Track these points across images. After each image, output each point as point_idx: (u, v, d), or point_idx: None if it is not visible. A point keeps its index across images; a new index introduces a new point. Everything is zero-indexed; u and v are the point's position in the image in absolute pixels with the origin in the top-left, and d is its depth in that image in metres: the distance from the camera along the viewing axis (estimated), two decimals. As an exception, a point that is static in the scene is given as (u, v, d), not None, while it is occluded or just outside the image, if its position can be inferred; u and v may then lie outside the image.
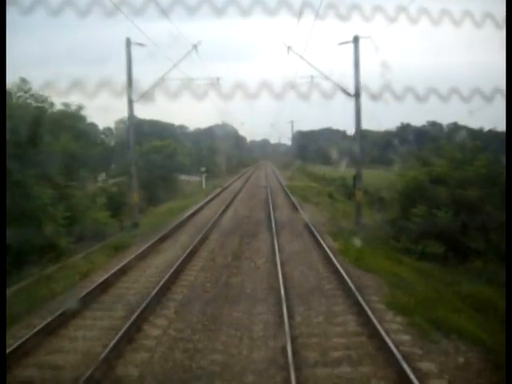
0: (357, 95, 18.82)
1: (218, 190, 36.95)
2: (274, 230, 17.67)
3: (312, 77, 19.07)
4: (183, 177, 61.04)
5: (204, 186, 40.52)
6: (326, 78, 18.79)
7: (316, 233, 16.63)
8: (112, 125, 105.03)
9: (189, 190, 43.39)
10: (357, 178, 19.34)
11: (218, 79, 20.37)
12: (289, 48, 18.85)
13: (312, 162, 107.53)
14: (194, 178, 54.23)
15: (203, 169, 41.08)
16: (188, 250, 14.14)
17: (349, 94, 18.90)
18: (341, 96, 18.42)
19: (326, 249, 13.60)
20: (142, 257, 13.88)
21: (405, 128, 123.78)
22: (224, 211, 23.74)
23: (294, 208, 24.55)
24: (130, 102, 19.77)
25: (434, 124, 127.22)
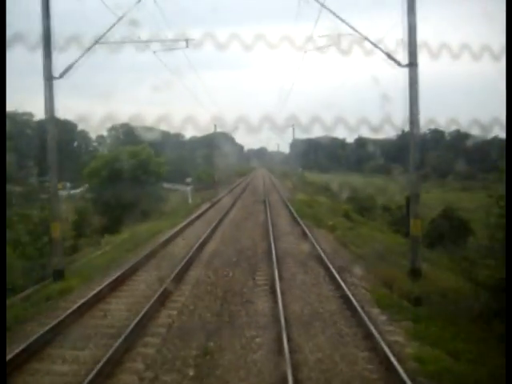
0: (412, 64, 11.19)
1: (206, 206, 29.25)
2: (277, 285, 9.99)
3: (339, 35, 11.47)
4: (169, 185, 53.42)
5: (190, 199, 32.70)
6: (363, 37, 11.18)
7: (354, 300, 8.94)
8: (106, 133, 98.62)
9: (172, 203, 35.65)
10: (412, 200, 11.63)
11: (187, 41, 12.80)
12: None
13: (310, 170, 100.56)
14: (184, 188, 46.68)
15: (189, 180, 33.29)
16: (117, 344, 6.58)
17: (399, 64, 11.28)
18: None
19: (403, 375, 5.83)
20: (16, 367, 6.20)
21: (405, 136, 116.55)
22: (205, 242, 16.05)
23: (305, 237, 16.87)
24: (49, 79, 12.04)
25: (435, 131, 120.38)
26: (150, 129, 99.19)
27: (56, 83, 12.01)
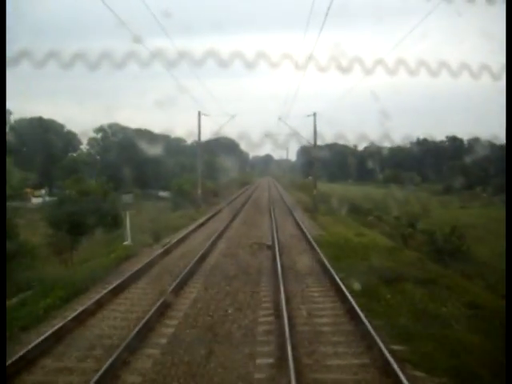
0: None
1: (146, 258, 12.27)
2: None
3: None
4: (164, 194, 37.50)
5: (129, 238, 15.40)
6: None
7: None
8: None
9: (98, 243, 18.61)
10: None
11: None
12: None
13: (318, 178, 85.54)
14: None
15: (127, 197, 16.28)
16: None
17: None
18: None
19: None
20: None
21: (421, 144, 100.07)
22: None
23: None
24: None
25: (454, 139, 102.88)
26: (145, 131, 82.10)
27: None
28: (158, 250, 13.62)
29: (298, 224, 19.55)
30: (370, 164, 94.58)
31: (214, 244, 14.81)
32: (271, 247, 13.92)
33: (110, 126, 78.22)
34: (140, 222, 20.29)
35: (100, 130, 78.46)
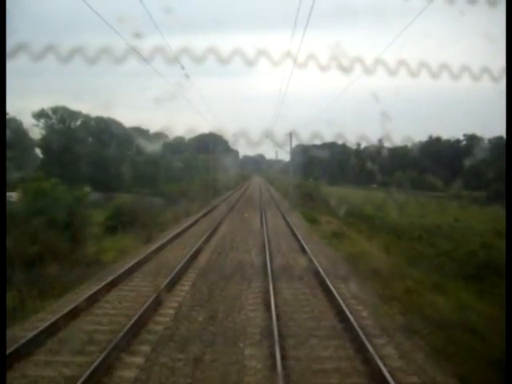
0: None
1: None
2: None
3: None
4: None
5: None
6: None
7: None
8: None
9: None
10: None
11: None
12: None
13: (315, 180, 70.50)
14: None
15: None
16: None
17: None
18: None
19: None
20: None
21: (433, 143, 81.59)
22: None
23: None
24: None
25: (472, 138, 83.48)
26: (100, 118, 62.90)
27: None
28: None
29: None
30: (373, 165, 77.04)
31: None
32: None
33: (55, 110, 56.91)
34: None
35: (41, 114, 56.67)
